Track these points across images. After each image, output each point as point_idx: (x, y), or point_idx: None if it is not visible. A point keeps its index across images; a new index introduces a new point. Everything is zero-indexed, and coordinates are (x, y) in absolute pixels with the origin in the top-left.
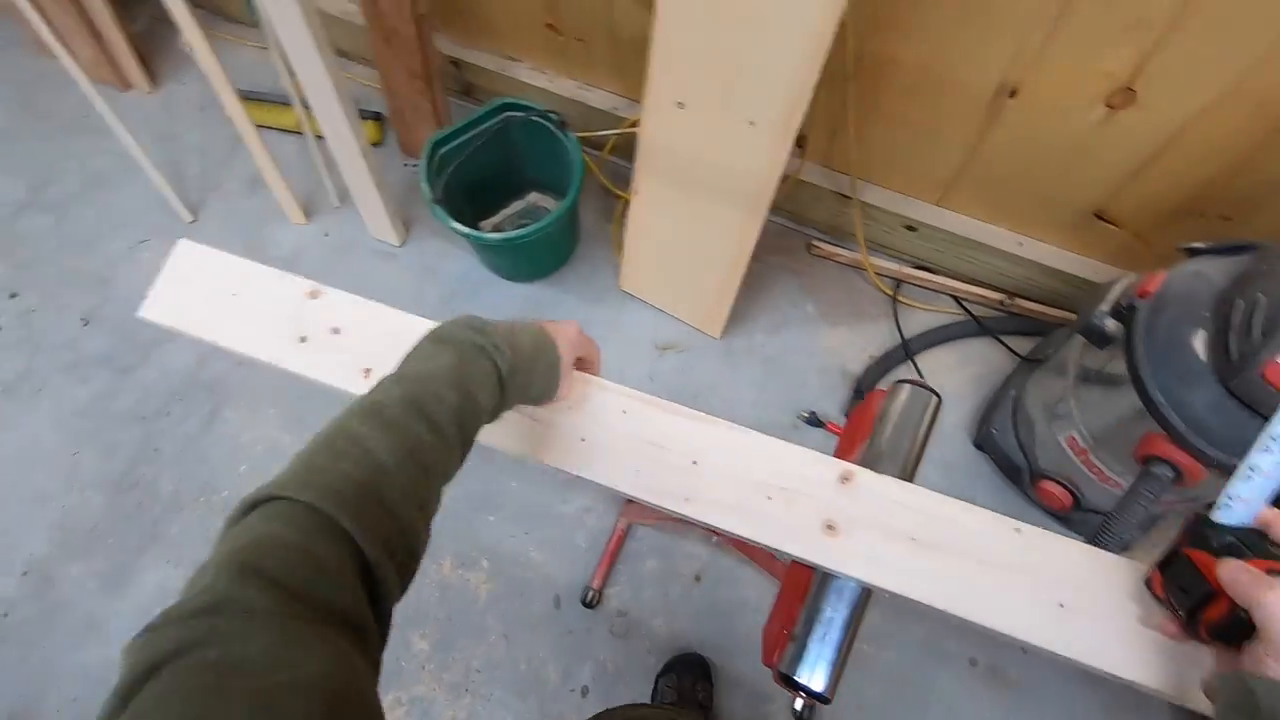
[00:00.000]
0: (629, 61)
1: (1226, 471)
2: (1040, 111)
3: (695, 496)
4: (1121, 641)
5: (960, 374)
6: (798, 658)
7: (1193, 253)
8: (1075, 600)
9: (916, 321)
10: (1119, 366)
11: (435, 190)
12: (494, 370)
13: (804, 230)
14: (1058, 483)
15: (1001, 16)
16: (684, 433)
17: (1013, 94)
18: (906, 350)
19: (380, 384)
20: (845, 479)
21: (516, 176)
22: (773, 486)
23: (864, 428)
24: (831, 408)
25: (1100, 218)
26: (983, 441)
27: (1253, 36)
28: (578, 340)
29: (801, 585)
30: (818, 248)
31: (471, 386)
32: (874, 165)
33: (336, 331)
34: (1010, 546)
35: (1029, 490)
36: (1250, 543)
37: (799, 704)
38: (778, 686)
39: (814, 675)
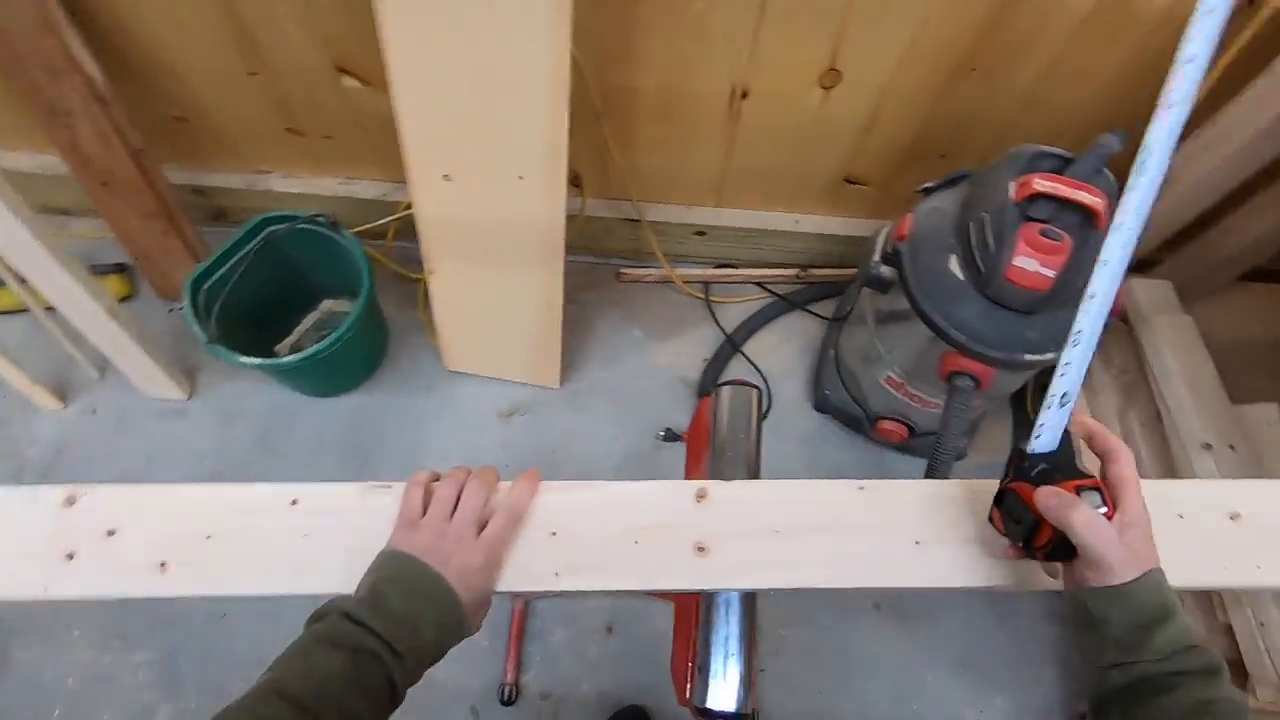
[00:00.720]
0: (384, 145)
1: (1013, 368)
2: (771, 104)
3: (564, 568)
4: (974, 559)
5: (785, 350)
6: (705, 687)
7: (926, 192)
8: (927, 534)
9: (733, 315)
10: (903, 303)
11: (209, 330)
12: (385, 679)
13: (608, 261)
14: (892, 420)
15: (713, 31)
16: (534, 507)
17: (744, 95)
18: (733, 344)
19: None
20: (701, 497)
21: (302, 289)
22: (636, 529)
23: (703, 435)
24: (684, 418)
25: (850, 181)
26: (822, 404)
27: (913, 3)
28: (474, 542)
29: (691, 612)
30: (625, 274)
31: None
32: (650, 185)
33: (111, 534)
34: (860, 505)
35: (871, 434)
36: (1060, 465)
37: None
38: None
39: (727, 698)
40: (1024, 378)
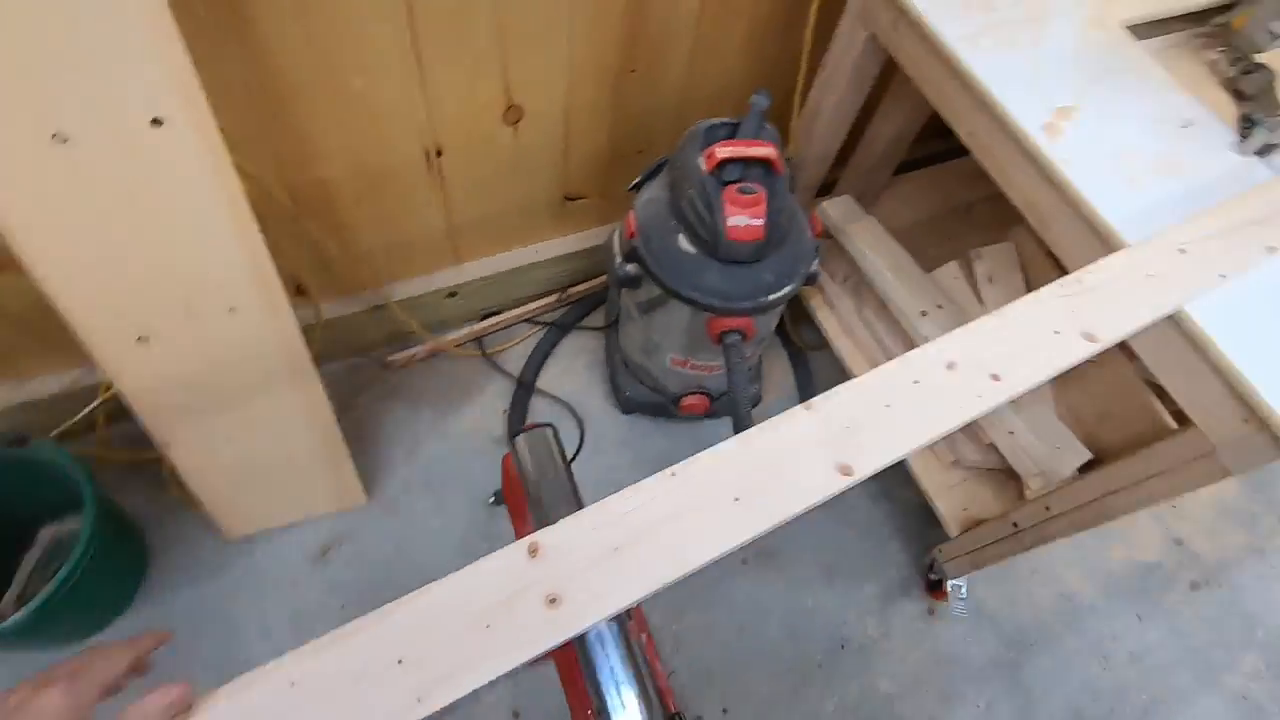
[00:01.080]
0: (52, 330)
1: (764, 310)
2: (468, 154)
3: (423, 690)
4: (794, 487)
5: (576, 371)
6: None
7: (636, 188)
8: (745, 488)
9: (516, 357)
10: (657, 291)
11: None
12: None
13: (369, 355)
14: (690, 395)
15: (382, 104)
16: (366, 644)
17: (439, 154)
18: (525, 385)
19: None
20: (533, 551)
21: (10, 525)
22: (482, 613)
23: (518, 491)
24: None
25: (570, 199)
26: (627, 405)
27: (555, 29)
28: None
29: (570, 663)
30: (392, 361)
31: None
32: (383, 265)
33: None
34: (679, 492)
35: (679, 415)
36: None
37: None
38: None
39: None
40: (777, 314)
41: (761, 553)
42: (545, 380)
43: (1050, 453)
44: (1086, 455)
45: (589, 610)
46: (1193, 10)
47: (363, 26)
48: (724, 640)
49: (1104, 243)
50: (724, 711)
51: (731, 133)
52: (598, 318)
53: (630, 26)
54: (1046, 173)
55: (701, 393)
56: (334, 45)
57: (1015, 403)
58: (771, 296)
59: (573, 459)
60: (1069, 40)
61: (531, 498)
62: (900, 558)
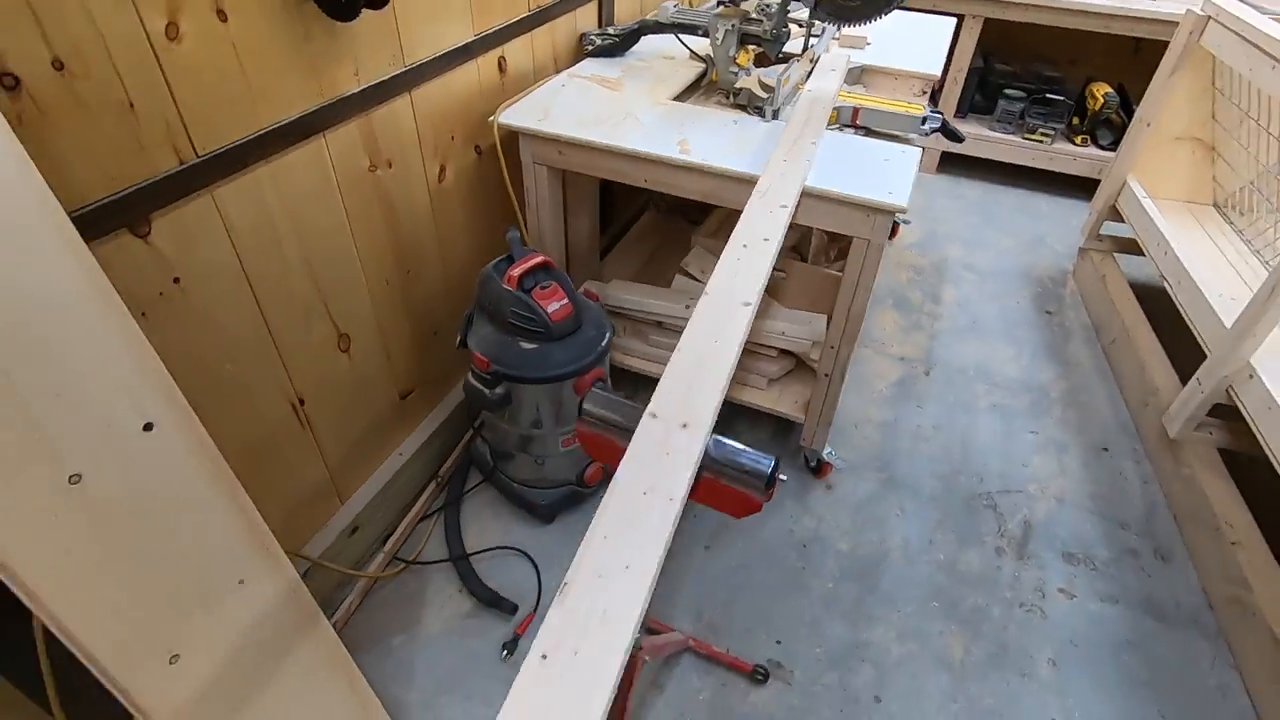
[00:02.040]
0: None
1: (606, 354)
2: (323, 389)
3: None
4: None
5: (491, 524)
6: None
7: (463, 343)
8: (649, 479)
9: (437, 546)
10: (527, 397)
11: None
12: None
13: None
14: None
15: (251, 378)
16: None
17: (303, 401)
18: (462, 559)
19: None
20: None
21: None
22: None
23: (604, 435)
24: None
25: (404, 396)
26: (549, 515)
27: (349, 261)
28: None
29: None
30: (335, 622)
31: None
32: (285, 537)
33: None
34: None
35: (588, 487)
36: None
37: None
38: None
39: None
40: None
41: (716, 530)
42: (472, 545)
43: (806, 328)
44: (824, 316)
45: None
46: (693, 81)
47: (227, 324)
48: (713, 618)
49: (748, 184)
50: (777, 643)
51: (509, 261)
52: (475, 476)
53: (393, 240)
54: (697, 169)
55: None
56: (209, 343)
57: (770, 318)
58: (603, 344)
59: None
60: (654, 114)
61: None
62: (790, 472)
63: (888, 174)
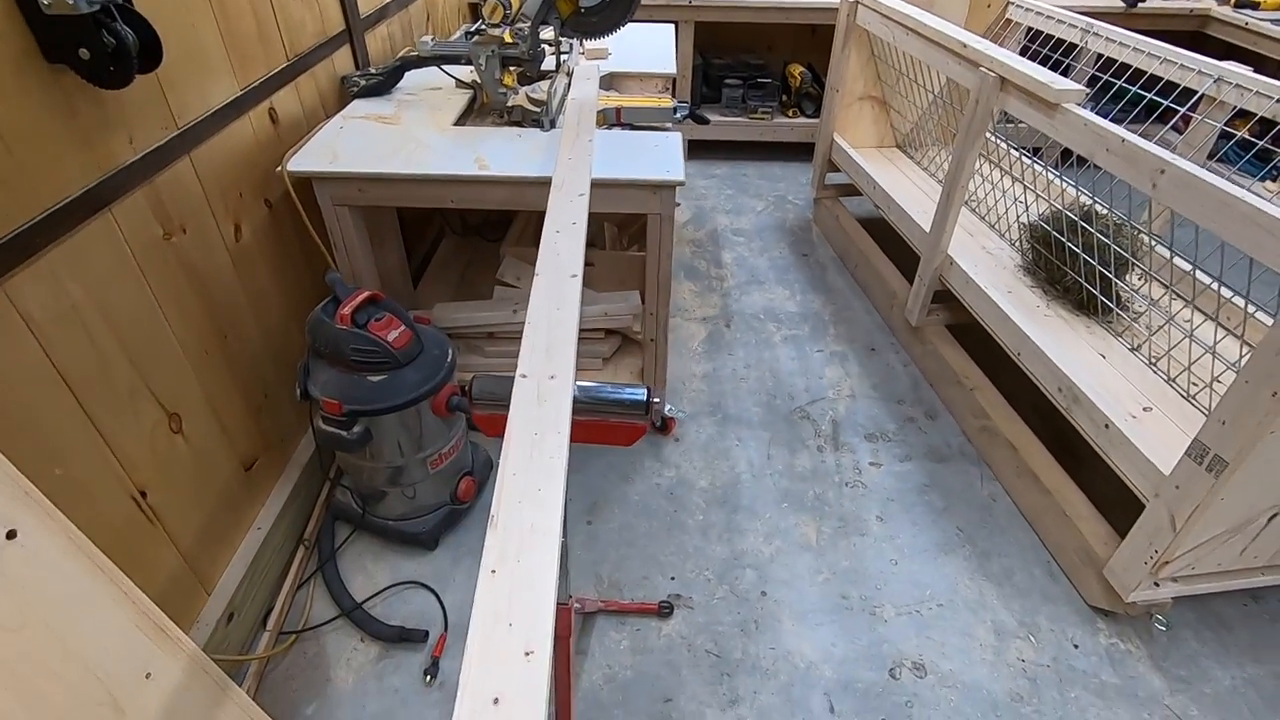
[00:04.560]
0: None
1: (451, 373)
2: (164, 477)
3: None
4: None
5: (374, 570)
6: None
7: (304, 394)
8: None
9: (324, 607)
10: (385, 430)
11: None
12: None
13: None
14: (460, 480)
15: (85, 476)
16: None
17: (144, 494)
18: (356, 610)
19: None
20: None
21: None
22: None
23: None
24: None
25: (248, 467)
26: (432, 541)
27: (163, 338)
28: None
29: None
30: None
31: None
32: None
33: None
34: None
35: (463, 504)
36: None
37: None
38: None
39: None
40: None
41: (593, 505)
42: (361, 594)
43: (624, 304)
44: (636, 292)
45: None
46: (465, 107)
47: (46, 426)
48: (619, 546)
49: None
50: (671, 579)
51: (336, 303)
52: (344, 528)
53: (204, 306)
54: (499, 181)
55: (465, 474)
56: (29, 450)
57: (590, 303)
58: (449, 359)
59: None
60: (443, 140)
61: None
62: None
63: (661, 157)
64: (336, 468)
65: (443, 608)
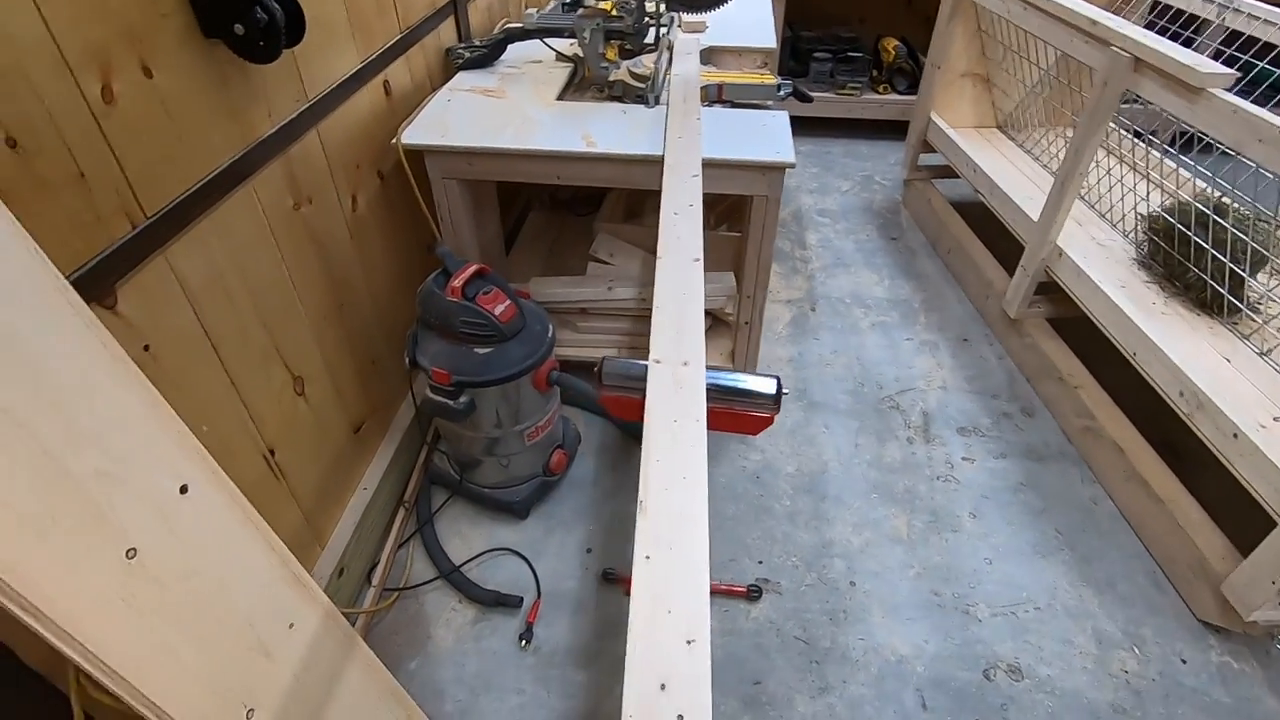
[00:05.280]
0: None
1: (553, 348)
2: (289, 437)
3: None
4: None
5: (470, 534)
6: None
7: (413, 363)
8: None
9: (423, 567)
10: (488, 400)
11: None
12: None
13: None
14: (552, 453)
15: (227, 436)
16: None
17: (273, 452)
18: (454, 571)
19: None
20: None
21: None
22: None
23: (627, 394)
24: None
25: (357, 430)
26: (524, 510)
27: (291, 304)
28: None
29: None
30: None
31: None
32: None
33: None
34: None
35: (554, 476)
36: None
37: None
38: None
39: None
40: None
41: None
42: (457, 558)
43: (719, 286)
44: (730, 272)
45: None
46: (567, 81)
47: (197, 385)
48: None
49: (654, 163)
50: (759, 564)
51: (446, 275)
52: (440, 495)
53: (325, 275)
54: (605, 158)
55: (557, 447)
56: (185, 408)
57: None
58: (550, 335)
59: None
60: (548, 114)
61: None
62: None
63: (769, 137)
64: (435, 433)
65: (535, 576)
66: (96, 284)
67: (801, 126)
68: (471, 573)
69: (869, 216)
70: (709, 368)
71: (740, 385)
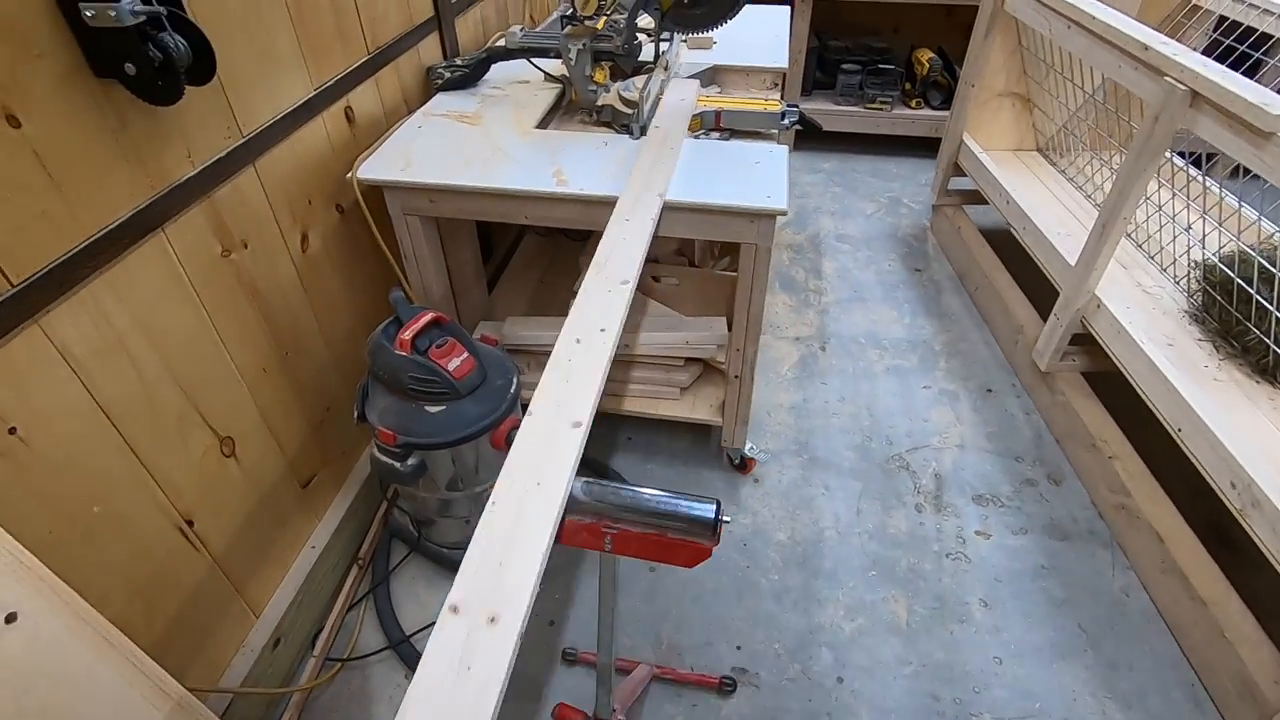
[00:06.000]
0: None
1: (514, 404)
2: (213, 504)
3: None
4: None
5: (426, 598)
6: None
7: (361, 417)
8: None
9: (372, 634)
10: (440, 462)
11: None
12: None
13: None
14: None
15: (125, 512)
16: None
17: (191, 523)
18: (405, 643)
19: None
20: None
21: None
22: None
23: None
24: None
25: (304, 485)
26: None
27: (217, 359)
28: None
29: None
30: None
31: None
32: (205, 672)
33: None
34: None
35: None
36: None
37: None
38: None
39: None
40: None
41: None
42: (412, 624)
43: (709, 334)
44: (723, 318)
45: None
46: (553, 103)
47: (86, 463)
48: (682, 603)
49: (610, 205)
50: (738, 649)
51: (398, 324)
52: (400, 550)
53: (265, 323)
54: (574, 199)
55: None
56: (67, 490)
57: (672, 329)
58: (512, 390)
59: None
60: (523, 145)
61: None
62: (716, 474)
63: (761, 177)
64: (394, 488)
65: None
66: None
67: (825, 141)
68: (423, 643)
69: (893, 244)
70: (637, 489)
71: (669, 507)
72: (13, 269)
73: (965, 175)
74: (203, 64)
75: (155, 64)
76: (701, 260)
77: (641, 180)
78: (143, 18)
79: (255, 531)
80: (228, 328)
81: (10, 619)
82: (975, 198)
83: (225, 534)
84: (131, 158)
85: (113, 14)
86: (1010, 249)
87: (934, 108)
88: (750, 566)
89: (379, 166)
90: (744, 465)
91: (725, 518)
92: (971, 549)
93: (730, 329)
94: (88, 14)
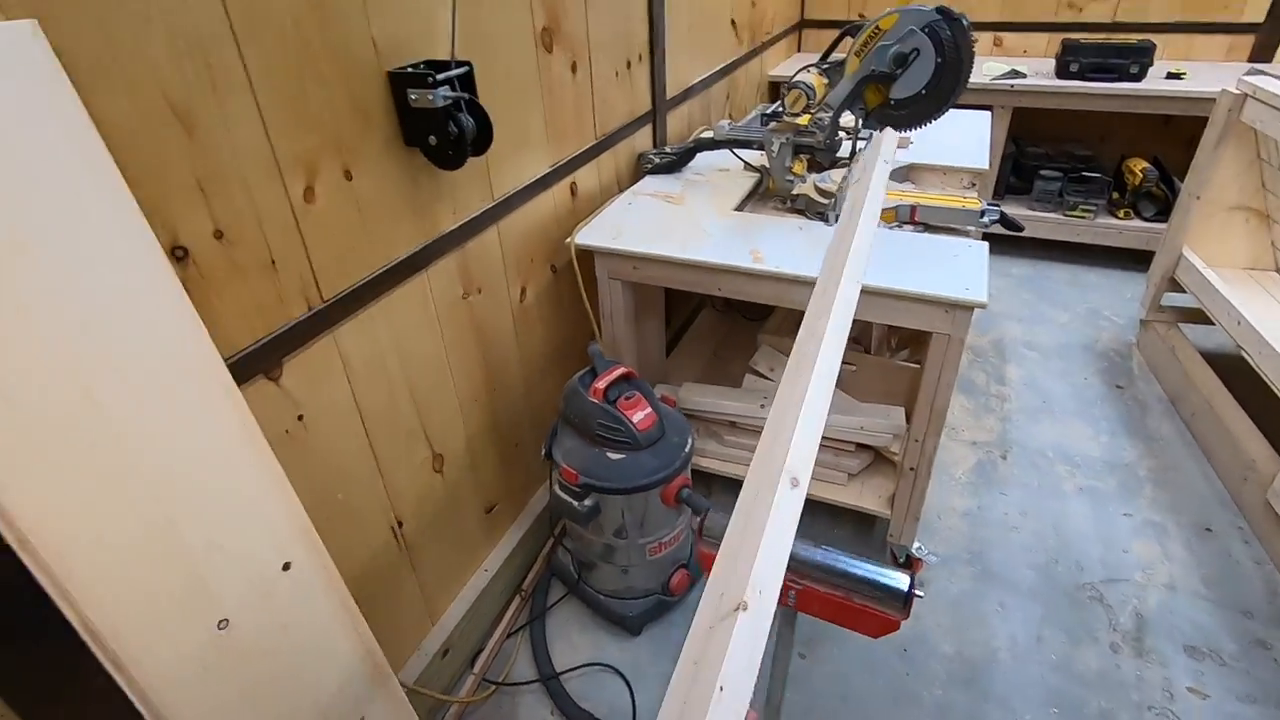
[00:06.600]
0: None
1: (688, 461)
2: (419, 510)
3: None
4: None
5: (578, 640)
6: None
7: (548, 454)
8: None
9: (524, 666)
10: (614, 509)
11: None
12: None
13: None
14: (674, 572)
15: (358, 504)
16: None
17: (400, 524)
18: (553, 679)
19: None
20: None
21: None
22: None
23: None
24: None
25: (488, 510)
26: (636, 626)
27: (444, 382)
28: None
29: None
30: None
31: None
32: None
33: None
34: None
35: (673, 596)
36: None
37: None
38: None
39: None
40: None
41: (811, 636)
42: (561, 663)
43: (885, 422)
44: (901, 408)
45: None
46: (750, 190)
47: (340, 455)
48: (833, 699)
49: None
50: None
51: (592, 374)
52: (558, 588)
53: (482, 360)
54: (771, 276)
55: (681, 566)
56: (323, 475)
57: (846, 412)
58: (687, 450)
59: None
60: (721, 225)
61: None
62: None
63: (961, 269)
64: (562, 527)
65: (633, 704)
66: (266, 358)
67: (1015, 246)
68: (571, 683)
69: (1090, 357)
70: (830, 551)
71: (860, 573)
72: (327, 288)
73: (1183, 291)
74: (483, 138)
75: (451, 137)
76: (877, 349)
77: (840, 265)
78: (450, 101)
79: (444, 544)
80: (457, 359)
81: (286, 567)
82: (1195, 316)
83: (423, 541)
84: (417, 210)
85: (430, 98)
86: (1239, 375)
87: (1145, 219)
88: (910, 675)
89: (592, 234)
90: (909, 564)
91: (919, 591)
92: (1181, 706)
93: (909, 419)
94: (412, 97)
